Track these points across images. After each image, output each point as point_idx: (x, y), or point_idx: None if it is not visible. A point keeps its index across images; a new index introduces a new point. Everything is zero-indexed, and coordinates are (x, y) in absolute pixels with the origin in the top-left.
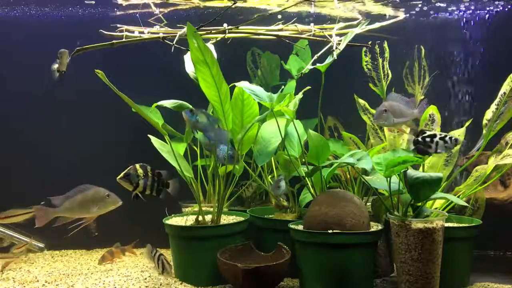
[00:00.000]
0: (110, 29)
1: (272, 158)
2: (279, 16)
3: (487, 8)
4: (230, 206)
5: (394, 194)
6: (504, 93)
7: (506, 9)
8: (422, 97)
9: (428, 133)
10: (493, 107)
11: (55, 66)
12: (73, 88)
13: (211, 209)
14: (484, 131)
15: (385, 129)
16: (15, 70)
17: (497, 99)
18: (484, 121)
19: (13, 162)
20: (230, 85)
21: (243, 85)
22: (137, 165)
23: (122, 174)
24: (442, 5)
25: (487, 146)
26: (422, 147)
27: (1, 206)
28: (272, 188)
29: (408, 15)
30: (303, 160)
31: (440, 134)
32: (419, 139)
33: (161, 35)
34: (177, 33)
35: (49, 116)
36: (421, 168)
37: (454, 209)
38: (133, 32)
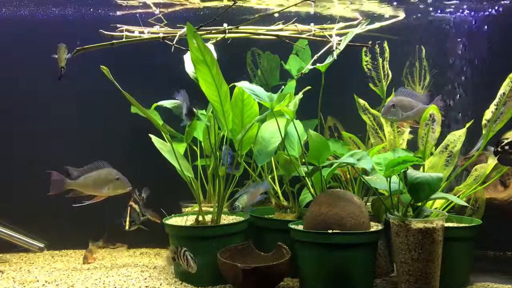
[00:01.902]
0: (110, 29)
1: (272, 158)
2: (276, 15)
3: (486, 8)
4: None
5: (394, 194)
6: (504, 93)
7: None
8: None
9: (506, 141)
10: (492, 107)
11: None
12: (72, 88)
13: (211, 209)
14: (483, 131)
15: (385, 129)
16: (15, 69)
17: (497, 99)
18: (484, 121)
19: (13, 160)
20: (230, 85)
21: (243, 85)
22: (133, 204)
23: (128, 225)
24: (441, 5)
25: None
26: (505, 156)
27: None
28: (229, 209)
29: (406, 15)
30: (303, 160)
31: None
32: (499, 149)
33: (161, 35)
34: (177, 33)
35: (49, 115)
36: (421, 168)
37: (454, 209)
38: (133, 32)
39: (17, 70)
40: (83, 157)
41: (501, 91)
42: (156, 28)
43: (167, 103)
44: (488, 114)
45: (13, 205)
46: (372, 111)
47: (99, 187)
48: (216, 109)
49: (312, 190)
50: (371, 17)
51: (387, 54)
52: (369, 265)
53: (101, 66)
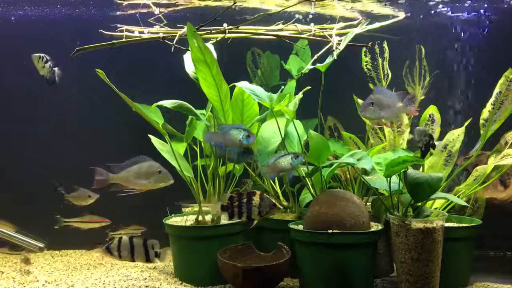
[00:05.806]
0: (110, 29)
1: None
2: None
3: (486, 7)
4: None
5: (394, 194)
6: (500, 92)
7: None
8: (423, 97)
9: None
10: (489, 106)
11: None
12: (72, 92)
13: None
14: (481, 131)
15: (385, 129)
16: (15, 70)
17: (493, 98)
18: (481, 121)
19: (13, 161)
20: (230, 85)
21: (243, 85)
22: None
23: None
24: (441, 4)
25: (489, 145)
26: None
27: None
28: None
29: (408, 14)
30: (303, 160)
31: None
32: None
33: (161, 35)
34: (177, 33)
35: (48, 115)
36: (421, 168)
37: (454, 209)
38: (133, 32)
39: (16, 70)
40: (83, 156)
41: (497, 90)
42: (156, 28)
43: (167, 103)
44: (485, 114)
45: (13, 205)
46: None
47: (140, 180)
48: (216, 108)
49: (312, 190)
50: (371, 17)
51: (386, 54)
52: (369, 265)
53: (97, 70)
